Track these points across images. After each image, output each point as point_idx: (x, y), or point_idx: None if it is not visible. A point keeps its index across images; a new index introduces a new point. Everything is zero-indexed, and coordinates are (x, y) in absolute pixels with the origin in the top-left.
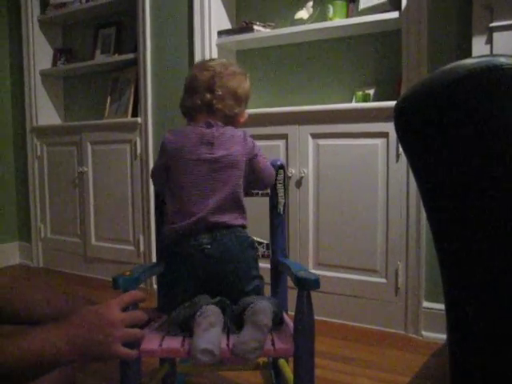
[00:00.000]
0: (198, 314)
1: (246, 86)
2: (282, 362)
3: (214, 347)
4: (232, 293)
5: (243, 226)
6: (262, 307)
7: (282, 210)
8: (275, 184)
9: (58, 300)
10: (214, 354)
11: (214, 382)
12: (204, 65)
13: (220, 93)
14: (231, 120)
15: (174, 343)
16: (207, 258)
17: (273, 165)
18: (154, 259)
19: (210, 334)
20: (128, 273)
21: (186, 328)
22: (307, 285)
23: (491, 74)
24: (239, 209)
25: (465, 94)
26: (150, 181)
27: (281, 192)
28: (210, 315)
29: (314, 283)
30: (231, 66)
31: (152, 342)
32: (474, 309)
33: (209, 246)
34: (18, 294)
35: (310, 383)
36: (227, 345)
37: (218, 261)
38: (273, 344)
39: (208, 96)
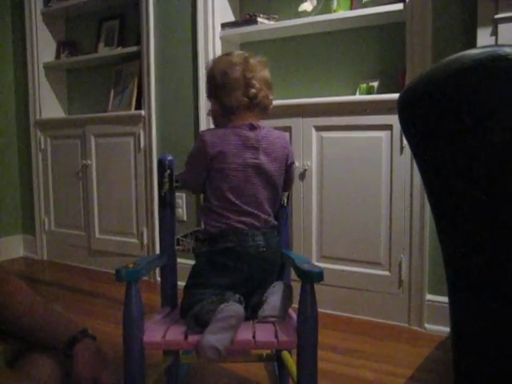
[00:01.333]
0: (222, 306)
1: (268, 73)
2: (285, 354)
3: (223, 348)
4: (255, 288)
5: (277, 226)
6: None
7: (286, 202)
8: None
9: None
10: (221, 355)
11: (217, 374)
12: (229, 60)
13: (258, 85)
14: (266, 109)
15: (176, 335)
16: (263, 260)
17: None
18: (158, 251)
19: (225, 335)
20: (131, 265)
21: (202, 323)
22: (311, 277)
23: (496, 63)
24: (275, 209)
25: (469, 84)
26: (154, 173)
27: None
28: (234, 316)
29: (318, 276)
30: (252, 56)
31: (155, 335)
32: (478, 302)
33: (264, 249)
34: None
35: (312, 375)
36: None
37: (270, 264)
38: (276, 336)
39: (252, 90)
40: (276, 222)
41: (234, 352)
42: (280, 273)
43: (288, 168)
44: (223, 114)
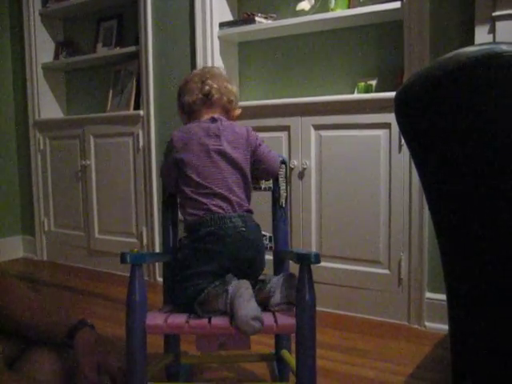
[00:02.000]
0: (232, 286)
1: (234, 87)
2: (285, 352)
3: (260, 315)
4: (250, 275)
5: (253, 212)
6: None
7: (283, 203)
8: (277, 178)
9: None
10: (262, 321)
11: (218, 373)
12: (191, 73)
13: (216, 86)
14: (228, 110)
15: (178, 319)
16: (244, 240)
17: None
18: (157, 251)
19: (252, 304)
20: (136, 250)
21: (210, 309)
22: (308, 259)
23: (492, 61)
24: (249, 195)
25: (466, 82)
26: (153, 173)
27: (283, 186)
28: (247, 288)
29: (315, 257)
30: (213, 71)
31: (157, 319)
32: (475, 301)
33: (244, 229)
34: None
35: (311, 360)
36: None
37: (252, 243)
38: (275, 321)
39: (206, 87)
40: (250, 208)
41: (234, 340)
42: (280, 266)
43: (254, 153)
44: (187, 114)
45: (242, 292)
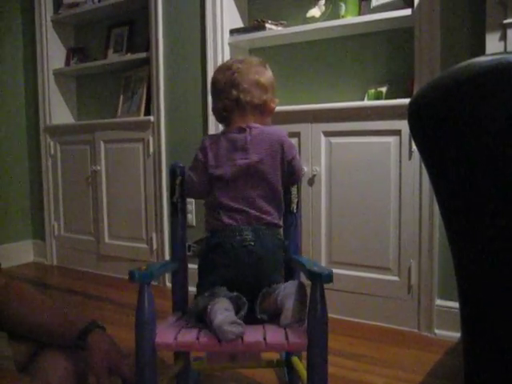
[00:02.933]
0: (211, 304)
1: (267, 75)
2: (295, 359)
3: (238, 321)
4: (254, 290)
5: (280, 226)
6: (298, 285)
7: (295, 208)
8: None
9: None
10: (242, 326)
11: (227, 380)
12: (223, 66)
13: (245, 86)
14: (263, 110)
15: (189, 337)
16: (249, 254)
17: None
18: (167, 257)
19: (230, 313)
20: (144, 267)
21: (202, 319)
22: (320, 278)
23: (505, 71)
24: (277, 208)
25: (479, 92)
26: (163, 179)
27: (294, 191)
28: (225, 304)
29: (327, 277)
30: (248, 59)
31: (167, 336)
32: (489, 307)
33: (252, 243)
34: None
35: (323, 377)
36: (242, 340)
37: (259, 259)
38: (287, 338)
39: (234, 92)
40: (276, 221)
41: (245, 355)
42: (290, 273)
43: (288, 164)
44: (219, 120)
45: (217, 307)
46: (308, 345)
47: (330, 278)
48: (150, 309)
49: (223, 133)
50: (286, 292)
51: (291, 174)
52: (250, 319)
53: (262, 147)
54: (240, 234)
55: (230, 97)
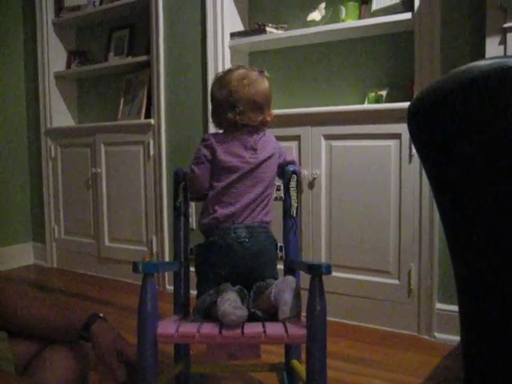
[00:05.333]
0: (222, 296)
1: (263, 89)
2: (295, 362)
3: (242, 306)
4: (249, 285)
5: (270, 224)
6: (291, 279)
7: (294, 213)
8: (288, 188)
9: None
10: (244, 310)
11: (227, 383)
12: (221, 81)
13: (241, 108)
14: (262, 124)
15: (190, 328)
16: (245, 250)
17: (286, 170)
18: (167, 260)
19: (236, 303)
20: (148, 258)
21: (209, 314)
22: (319, 269)
23: (505, 75)
24: (268, 206)
25: (478, 95)
26: (164, 182)
27: (294, 196)
28: (233, 296)
29: (327, 268)
30: (247, 74)
31: (169, 327)
32: (488, 309)
33: (247, 240)
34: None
35: (322, 369)
36: (242, 332)
37: (254, 254)
38: (286, 331)
39: (230, 116)
40: (267, 219)
41: (244, 351)
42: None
43: (280, 156)
44: (225, 127)
45: (224, 300)
46: (307, 336)
47: (328, 269)
48: (152, 300)
49: (231, 132)
50: (279, 288)
51: (285, 165)
52: (248, 317)
53: (266, 149)
54: (234, 232)
55: (227, 118)
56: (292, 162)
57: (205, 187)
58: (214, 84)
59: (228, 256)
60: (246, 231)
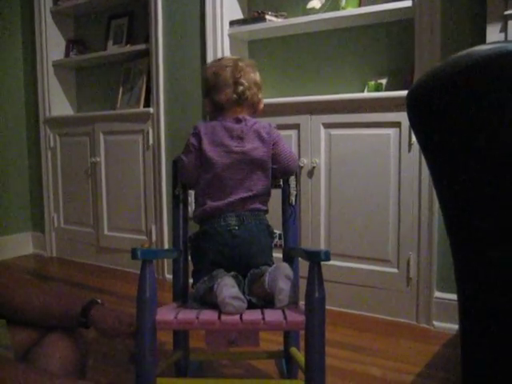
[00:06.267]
0: (218, 281)
1: (259, 76)
2: (293, 350)
3: (242, 296)
4: (243, 272)
5: (265, 212)
6: (284, 266)
7: (293, 201)
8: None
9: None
10: (244, 301)
11: (226, 370)
12: (221, 63)
13: (247, 84)
14: (256, 107)
15: (189, 314)
16: (234, 238)
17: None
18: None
19: (235, 289)
20: (146, 245)
21: (205, 301)
22: (317, 256)
23: (505, 59)
24: (264, 195)
25: (478, 80)
26: (163, 171)
27: (293, 184)
28: (230, 281)
29: (325, 255)
30: (244, 59)
31: (167, 314)
32: (487, 298)
33: (236, 227)
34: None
35: (320, 356)
36: (240, 318)
37: (244, 241)
38: (285, 318)
39: (240, 88)
40: (260, 206)
41: (243, 338)
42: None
43: (275, 145)
44: (215, 110)
45: (223, 285)
46: (306, 323)
47: (327, 255)
48: (151, 286)
49: (219, 121)
50: (273, 276)
51: (279, 160)
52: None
53: (256, 137)
54: (224, 220)
55: (236, 91)
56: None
57: (193, 176)
58: (210, 67)
59: (218, 244)
60: (235, 219)
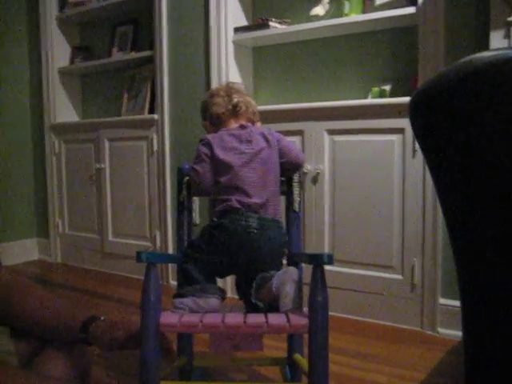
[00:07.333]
0: (199, 295)
1: (253, 100)
2: (297, 356)
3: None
4: (249, 274)
5: (281, 221)
6: (292, 270)
7: (297, 207)
8: (291, 183)
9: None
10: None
11: (230, 376)
12: (215, 88)
13: (241, 99)
14: (253, 118)
15: (193, 318)
16: (251, 240)
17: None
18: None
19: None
20: (151, 249)
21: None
22: (321, 259)
23: (507, 66)
24: (277, 200)
25: (481, 87)
26: (167, 177)
27: (296, 190)
28: (207, 304)
29: (327, 258)
30: (234, 83)
31: (171, 317)
32: (490, 306)
33: (255, 231)
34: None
35: (324, 360)
36: (244, 321)
37: (260, 247)
38: (288, 321)
39: (234, 100)
40: (278, 217)
41: (247, 342)
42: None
43: (279, 143)
44: (215, 124)
45: (200, 301)
46: (309, 326)
47: (330, 258)
48: (155, 290)
49: (224, 131)
50: (281, 279)
51: (285, 155)
52: (250, 308)
53: (262, 138)
54: (245, 220)
55: (231, 103)
56: (291, 149)
57: (210, 183)
58: (209, 94)
59: (233, 241)
60: (257, 222)
